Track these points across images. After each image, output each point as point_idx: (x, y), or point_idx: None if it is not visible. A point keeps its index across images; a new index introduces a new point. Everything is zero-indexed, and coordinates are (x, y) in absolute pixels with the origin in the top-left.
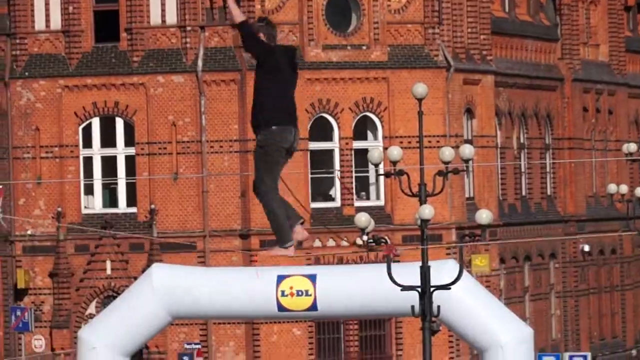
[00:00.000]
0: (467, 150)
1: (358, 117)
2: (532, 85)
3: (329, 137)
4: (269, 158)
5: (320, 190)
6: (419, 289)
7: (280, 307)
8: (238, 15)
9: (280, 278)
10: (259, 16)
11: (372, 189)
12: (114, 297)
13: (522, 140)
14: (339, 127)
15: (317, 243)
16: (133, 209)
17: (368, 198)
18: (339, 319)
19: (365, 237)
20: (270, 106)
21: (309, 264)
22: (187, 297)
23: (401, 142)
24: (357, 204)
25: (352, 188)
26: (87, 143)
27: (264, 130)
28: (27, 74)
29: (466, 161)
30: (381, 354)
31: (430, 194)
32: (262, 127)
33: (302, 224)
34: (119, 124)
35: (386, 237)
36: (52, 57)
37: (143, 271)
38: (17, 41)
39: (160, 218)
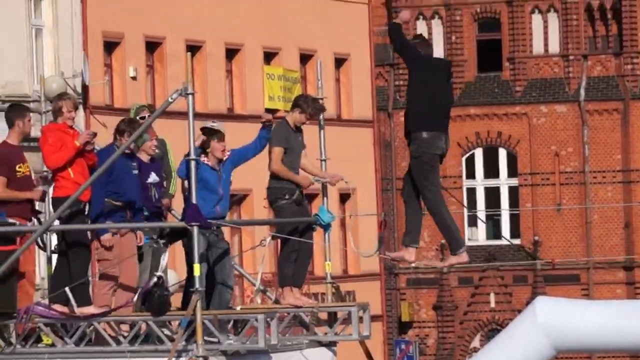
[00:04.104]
0: None
1: None
2: None
3: None
4: (426, 166)
5: None
6: None
7: None
8: (400, 18)
9: None
10: (414, 34)
11: None
12: (498, 330)
13: None
14: None
15: None
16: (517, 241)
17: None
18: None
19: None
20: (419, 112)
21: None
22: (572, 331)
23: None
24: None
25: None
26: (471, 174)
27: (415, 139)
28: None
29: None
30: None
31: None
32: (412, 133)
33: (416, 248)
34: (502, 154)
35: None
36: None
37: (527, 304)
38: (400, 72)
39: (543, 249)
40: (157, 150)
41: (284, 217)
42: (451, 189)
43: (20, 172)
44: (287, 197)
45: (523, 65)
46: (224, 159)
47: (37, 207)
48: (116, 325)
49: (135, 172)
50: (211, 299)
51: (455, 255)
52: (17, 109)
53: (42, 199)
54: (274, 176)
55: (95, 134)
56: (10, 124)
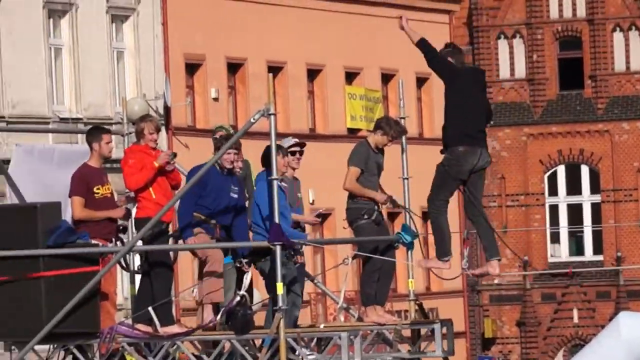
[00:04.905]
0: None
1: None
2: None
3: None
4: (449, 179)
5: None
6: None
7: None
8: (414, 36)
9: None
10: (445, 42)
11: None
12: (581, 346)
13: None
14: None
15: None
16: (599, 257)
17: None
18: None
19: None
20: (456, 127)
21: None
22: None
23: None
24: None
25: None
26: (553, 191)
27: (451, 150)
28: (491, 122)
29: None
30: None
31: None
32: (449, 146)
33: (499, 260)
34: (584, 171)
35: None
36: (517, 105)
37: (610, 319)
38: None
39: (626, 265)
40: (240, 171)
41: (364, 237)
42: (534, 206)
43: (98, 193)
44: (365, 217)
45: (605, 82)
46: (288, 177)
47: (122, 227)
48: (199, 344)
49: (235, 195)
50: None
51: (440, 261)
52: (93, 132)
53: (127, 218)
54: (351, 197)
55: (175, 155)
56: (89, 147)
